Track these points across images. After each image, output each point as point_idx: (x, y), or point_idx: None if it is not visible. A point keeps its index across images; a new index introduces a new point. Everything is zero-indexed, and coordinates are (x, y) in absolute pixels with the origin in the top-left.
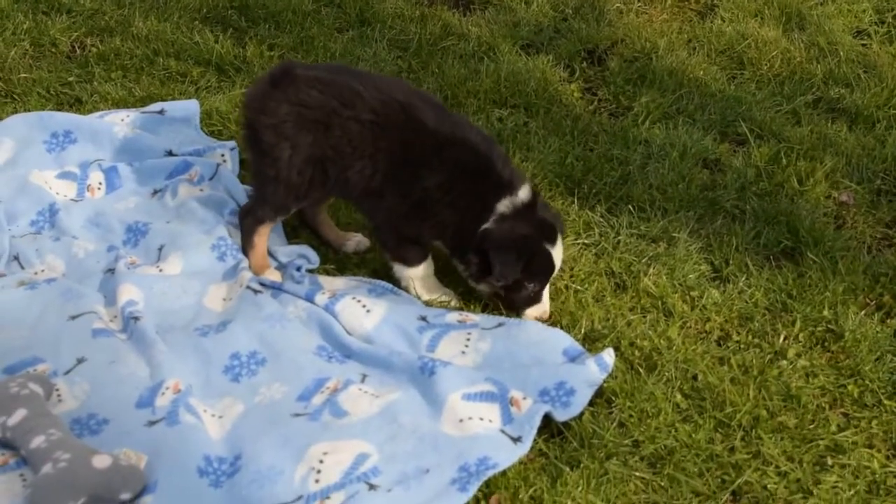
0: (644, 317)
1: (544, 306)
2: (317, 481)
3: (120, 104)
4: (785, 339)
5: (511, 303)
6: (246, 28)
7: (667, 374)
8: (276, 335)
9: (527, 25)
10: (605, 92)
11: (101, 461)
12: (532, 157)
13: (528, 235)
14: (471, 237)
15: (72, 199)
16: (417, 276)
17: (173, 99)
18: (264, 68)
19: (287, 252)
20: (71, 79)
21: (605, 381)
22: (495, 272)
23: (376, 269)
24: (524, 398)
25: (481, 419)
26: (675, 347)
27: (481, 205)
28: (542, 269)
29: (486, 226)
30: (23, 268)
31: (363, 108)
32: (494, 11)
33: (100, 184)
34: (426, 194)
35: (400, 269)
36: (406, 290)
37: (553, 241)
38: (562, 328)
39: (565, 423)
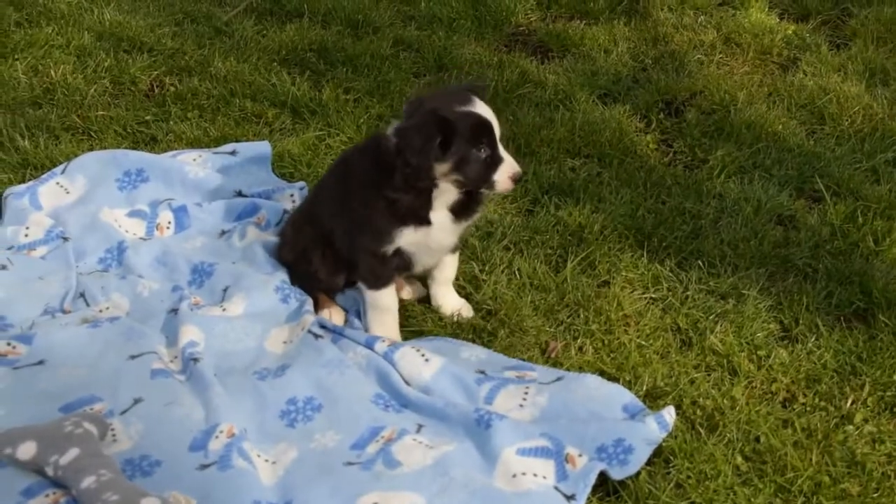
0: (708, 375)
1: (510, 161)
2: None
3: (194, 144)
4: (853, 403)
5: (477, 178)
6: (324, 71)
7: (728, 434)
8: (333, 381)
9: (605, 74)
10: (681, 144)
11: (150, 503)
12: (603, 207)
13: (428, 111)
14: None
15: (140, 238)
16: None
17: (247, 140)
18: (339, 111)
19: (350, 297)
20: (148, 117)
21: (664, 440)
22: (412, 158)
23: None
24: (580, 455)
25: (535, 475)
26: (738, 408)
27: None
28: (471, 126)
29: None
30: (88, 305)
31: None
32: (573, 59)
33: (169, 223)
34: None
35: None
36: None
37: (465, 103)
38: (624, 384)
39: (621, 482)
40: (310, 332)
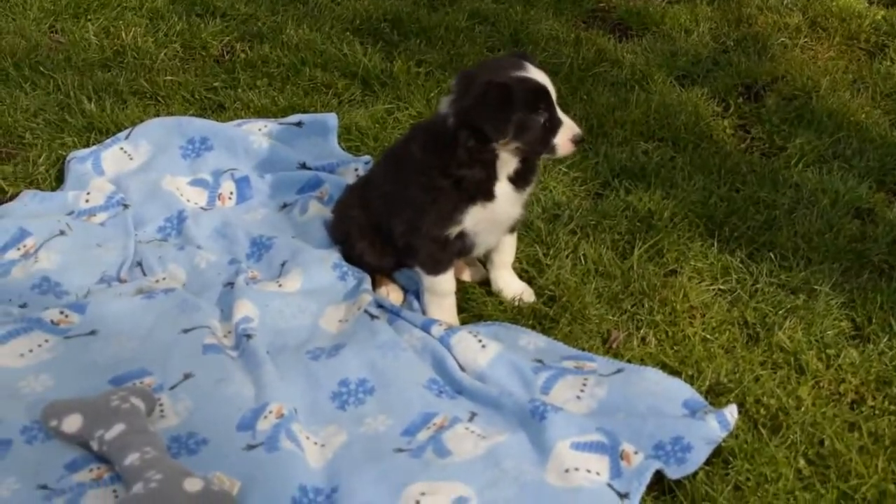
0: (774, 373)
1: (569, 124)
2: None
3: (262, 112)
4: None
5: (540, 144)
6: (397, 42)
7: (792, 436)
8: (387, 364)
9: (684, 55)
10: (759, 130)
11: (192, 485)
12: (675, 193)
13: (485, 83)
14: None
15: (202, 207)
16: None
17: (315, 110)
18: (410, 84)
19: (409, 276)
20: (216, 84)
21: (724, 440)
22: (489, 132)
23: (499, 301)
24: (635, 452)
25: (588, 471)
26: (803, 408)
27: None
28: (528, 92)
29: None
30: (145, 274)
31: None
32: (652, 39)
33: (231, 193)
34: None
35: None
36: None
37: (517, 69)
38: (686, 378)
39: (677, 482)
40: (366, 311)
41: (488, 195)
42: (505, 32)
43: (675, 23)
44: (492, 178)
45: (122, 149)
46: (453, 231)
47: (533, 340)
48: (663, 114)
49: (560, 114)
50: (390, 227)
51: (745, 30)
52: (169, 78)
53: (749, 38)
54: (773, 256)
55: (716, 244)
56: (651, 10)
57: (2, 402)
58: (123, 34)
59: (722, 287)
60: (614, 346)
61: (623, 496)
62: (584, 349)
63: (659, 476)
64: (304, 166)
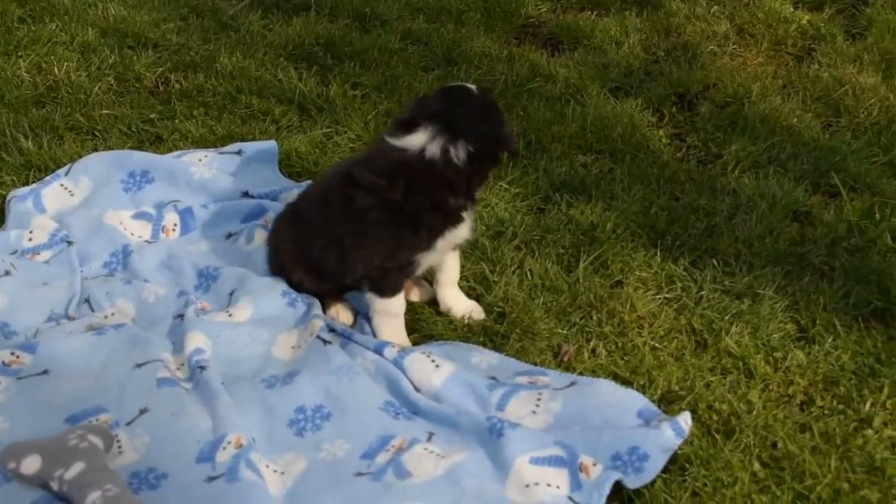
0: (724, 378)
1: None
2: None
3: (200, 142)
4: (871, 405)
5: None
6: (331, 66)
7: (745, 440)
8: (342, 389)
9: (616, 67)
10: (695, 138)
11: None
12: (615, 205)
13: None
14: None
15: (146, 241)
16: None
17: (254, 138)
18: (347, 108)
19: (358, 297)
20: (153, 116)
21: (679, 447)
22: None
23: (449, 320)
24: (594, 464)
25: (548, 485)
26: (755, 412)
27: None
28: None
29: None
30: (93, 311)
31: None
32: (584, 52)
33: (175, 225)
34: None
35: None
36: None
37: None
38: (638, 388)
39: (636, 491)
40: (318, 337)
41: (459, 219)
42: (438, 52)
43: (605, 35)
44: (469, 201)
45: (62, 185)
46: (423, 257)
47: (485, 358)
48: (599, 126)
49: None
50: (341, 266)
51: (675, 39)
52: (105, 112)
53: (679, 47)
54: (715, 263)
55: (659, 253)
56: (581, 23)
57: None
58: (56, 69)
59: (668, 295)
60: (565, 359)
61: None
62: (536, 364)
63: (618, 486)
64: (246, 194)
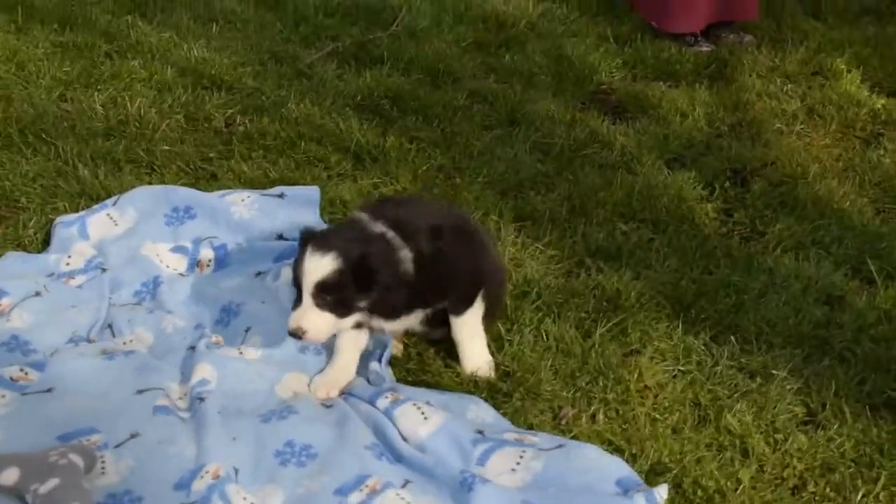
0: (719, 455)
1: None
2: None
3: (252, 184)
4: (864, 496)
5: None
6: (395, 118)
7: None
8: (335, 435)
9: (677, 139)
10: (742, 215)
11: None
12: (646, 274)
13: None
14: None
15: (180, 274)
16: None
17: (305, 183)
18: (400, 160)
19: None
20: (212, 154)
21: None
22: None
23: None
24: None
25: None
26: (740, 491)
27: None
28: None
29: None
30: (114, 336)
31: None
32: (647, 121)
33: (209, 261)
34: None
35: None
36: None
37: None
38: (628, 456)
39: None
40: None
41: None
42: (502, 112)
43: (671, 106)
44: None
45: (108, 215)
46: None
47: (481, 414)
48: (646, 195)
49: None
50: None
51: (742, 115)
52: (166, 148)
53: (744, 123)
54: (735, 339)
55: (681, 325)
56: (650, 93)
57: None
58: (129, 105)
59: (682, 368)
60: (563, 422)
61: None
62: (532, 425)
63: None
64: (281, 237)
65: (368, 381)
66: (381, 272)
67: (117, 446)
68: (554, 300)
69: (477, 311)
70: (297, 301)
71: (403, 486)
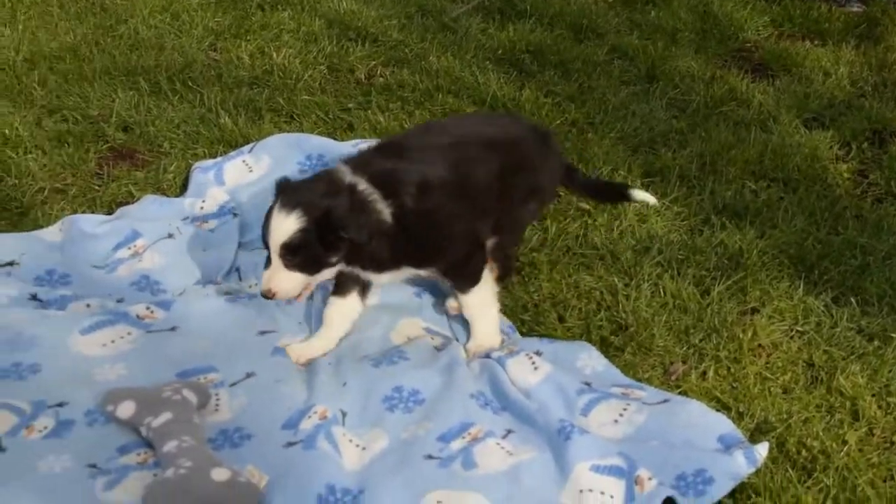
0: (828, 416)
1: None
2: None
3: (387, 134)
4: None
5: None
6: (534, 73)
7: (825, 480)
8: (443, 381)
9: (817, 98)
10: (878, 176)
11: (219, 474)
12: (772, 234)
13: None
14: None
15: None
16: None
17: None
18: (534, 114)
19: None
20: (350, 105)
21: (752, 477)
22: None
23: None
24: (650, 479)
25: (602, 493)
26: (845, 453)
27: None
28: None
29: None
30: (241, 279)
31: None
32: (788, 80)
33: None
34: None
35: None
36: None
37: None
38: (735, 415)
39: None
40: (428, 331)
41: None
42: (641, 68)
43: (815, 65)
44: None
45: (244, 161)
46: None
47: (591, 363)
48: (780, 154)
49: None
50: None
51: (887, 75)
52: (307, 97)
53: (889, 83)
54: (857, 301)
55: (802, 286)
56: (794, 52)
57: (74, 387)
58: (275, 55)
59: (800, 329)
60: (673, 377)
61: None
62: (641, 379)
63: None
64: None
65: None
66: (348, 227)
67: (233, 384)
68: (675, 256)
69: (484, 287)
70: (268, 260)
71: (505, 435)
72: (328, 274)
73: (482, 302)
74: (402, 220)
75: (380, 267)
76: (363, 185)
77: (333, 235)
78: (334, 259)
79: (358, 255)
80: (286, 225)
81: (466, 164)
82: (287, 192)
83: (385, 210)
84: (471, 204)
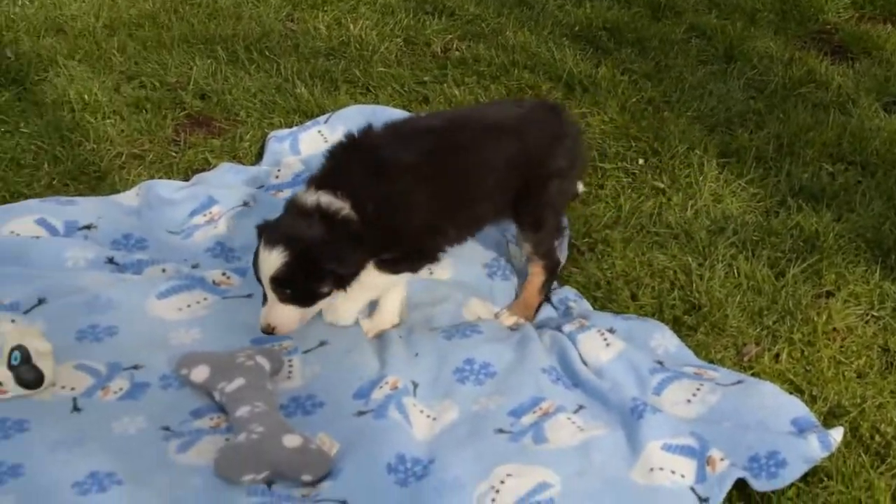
0: None
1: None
2: (493, 500)
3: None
4: None
5: None
6: (610, 50)
7: None
8: (514, 357)
9: None
10: None
11: (291, 441)
12: (849, 217)
13: None
14: None
15: None
16: None
17: None
18: (610, 91)
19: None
20: (426, 78)
21: (825, 461)
22: None
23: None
24: (721, 459)
25: (673, 472)
26: None
27: None
28: None
29: None
30: None
31: None
32: (868, 63)
33: None
34: None
35: None
36: None
37: None
38: (808, 398)
39: (765, 495)
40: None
41: None
42: (719, 47)
43: None
44: None
45: (319, 132)
46: None
47: (664, 343)
48: (858, 137)
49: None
50: None
51: None
52: (382, 69)
53: None
54: None
55: (879, 270)
56: (875, 34)
57: (150, 350)
58: (352, 26)
59: (875, 313)
60: (745, 359)
61: (703, 500)
62: (714, 359)
63: (748, 487)
64: None
65: (555, 307)
66: (327, 260)
67: (306, 352)
68: (750, 238)
69: (393, 279)
70: (265, 297)
71: (576, 411)
72: (325, 304)
73: (373, 285)
74: (364, 217)
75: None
76: (325, 200)
77: (318, 270)
78: (326, 289)
79: (344, 280)
80: (271, 260)
81: (448, 150)
82: (268, 231)
83: (350, 215)
84: (447, 191)
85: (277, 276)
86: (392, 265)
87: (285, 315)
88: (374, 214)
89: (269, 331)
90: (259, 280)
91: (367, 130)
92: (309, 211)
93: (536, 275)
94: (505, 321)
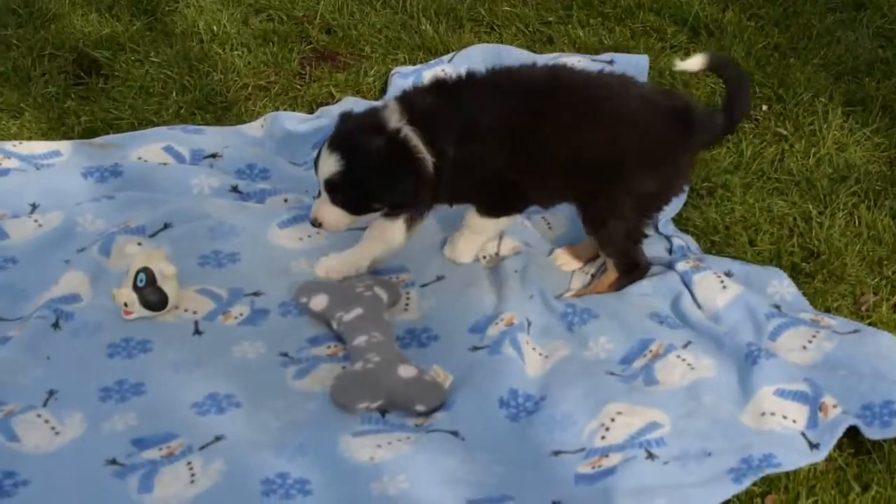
0: None
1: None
2: (602, 438)
3: (587, 49)
4: None
5: None
6: None
7: None
8: (619, 303)
9: None
10: None
11: (406, 371)
12: None
13: None
14: None
15: None
16: None
17: (638, 52)
18: (736, 36)
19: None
20: (551, 18)
21: None
22: None
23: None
24: (834, 406)
25: (784, 417)
26: None
27: None
28: None
29: None
30: None
31: None
32: None
33: None
34: None
35: None
36: None
37: None
38: None
39: (877, 443)
40: None
41: None
42: None
43: None
44: None
45: (443, 70)
46: None
47: (781, 290)
48: None
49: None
50: None
51: None
52: (507, 8)
53: None
54: None
55: None
56: None
57: (270, 277)
58: None
59: None
60: (862, 308)
61: (814, 446)
62: (830, 308)
63: (861, 436)
64: None
65: (670, 252)
66: (380, 187)
67: (424, 285)
68: (872, 187)
69: (497, 222)
70: (319, 191)
71: (685, 346)
72: (371, 217)
73: (484, 228)
74: (440, 168)
75: (422, 212)
76: (406, 132)
77: (372, 189)
78: (377, 206)
79: (398, 207)
80: (329, 164)
81: (521, 113)
82: (340, 127)
83: (426, 159)
84: (530, 160)
85: (331, 181)
86: (486, 210)
87: (333, 215)
88: (450, 169)
89: (316, 224)
90: (316, 173)
91: (472, 77)
92: (389, 134)
93: (610, 271)
94: (565, 296)
